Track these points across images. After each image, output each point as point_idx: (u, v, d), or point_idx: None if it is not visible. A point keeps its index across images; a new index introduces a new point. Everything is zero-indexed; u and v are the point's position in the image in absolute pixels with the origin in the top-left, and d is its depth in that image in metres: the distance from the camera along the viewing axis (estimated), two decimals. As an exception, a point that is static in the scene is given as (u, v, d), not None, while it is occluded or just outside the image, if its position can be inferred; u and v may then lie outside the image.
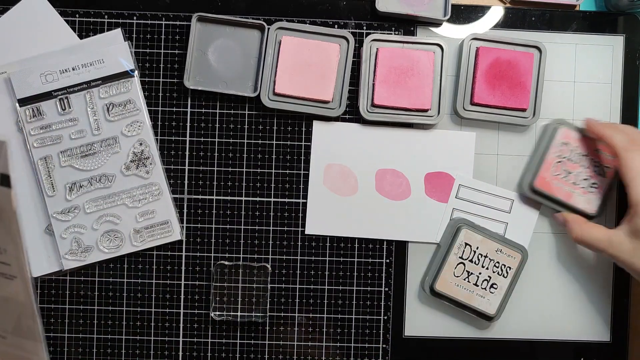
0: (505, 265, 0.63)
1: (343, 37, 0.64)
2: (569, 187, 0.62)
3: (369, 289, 0.65)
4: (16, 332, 0.41)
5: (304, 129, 0.65)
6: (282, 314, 0.65)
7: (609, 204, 0.65)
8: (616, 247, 0.57)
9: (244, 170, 0.65)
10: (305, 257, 0.65)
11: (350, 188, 0.65)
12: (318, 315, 0.65)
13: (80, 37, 0.64)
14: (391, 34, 0.65)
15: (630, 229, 0.56)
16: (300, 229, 0.65)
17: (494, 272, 0.63)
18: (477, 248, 0.62)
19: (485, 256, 0.63)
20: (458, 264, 0.63)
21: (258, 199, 0.65)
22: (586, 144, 0.62)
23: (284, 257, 0.65)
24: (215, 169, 0.65)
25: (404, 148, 0.65)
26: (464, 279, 0.63)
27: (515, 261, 0.63)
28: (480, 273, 0.63)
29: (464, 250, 0.62)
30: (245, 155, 0.65)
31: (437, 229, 0.65)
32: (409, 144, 0.65)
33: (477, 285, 0.63)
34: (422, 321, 0.65)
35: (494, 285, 0.63)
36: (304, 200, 0.65)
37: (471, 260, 0.63)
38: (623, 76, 0.66)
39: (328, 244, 0.65)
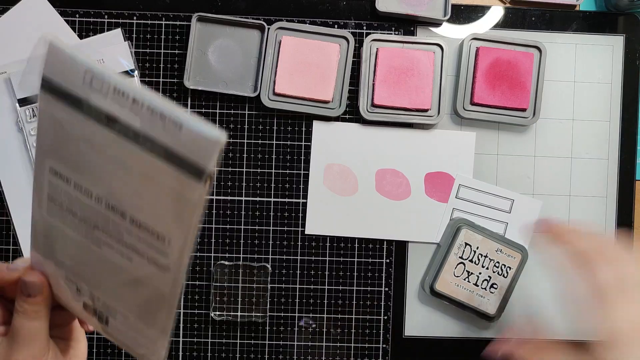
0: (505, 265, 0.63)
1: (343, 37, 0.64)
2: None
3: (369, 289, 0.65)
4: (143, 319, 0.40)
5: (304, 129, 0.65)
6: (282, 314, 0.65)
7: (608, 216, 0.65)
8: None
9: (244, 170, 0.65)
10: (305, 257, 0.65)
11: (350, 188, 0.65)
12: (318, 315, 0.65)
13: (80, 37, 0.64)
14: (391, 34, 0.65)
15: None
16: (300, 229, 0.65)
17: (494, 272, 0.63)
18: (477, 248, 0.63)
19: (485, 256, 0.63)
20: (458, 264, 0.63)
21: (258, 199, 0.65)
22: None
23: (284, 257, 0.65)
24: (215, 169, 0.65)
25: (404, 148, 0.65)
26: (464, 279, 0.63)
27: (515, 261, 0.63)
28: (480, 273, 0.63)
29: (464, 250, 0.63)
30: (245, 155, 0.65)
31: (437, 229, 0.65)
32: (409, 143, 0.65)
33: (477, 285, 0.63)
34: (422, 321, 0.65)
35: (494, 285, 0.63)
36: (304, 200, 0.65)
37: (471, 260, 0.63)
38: (623, 76, 0.66)
39: (328, 244, 0.65)
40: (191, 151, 0.33)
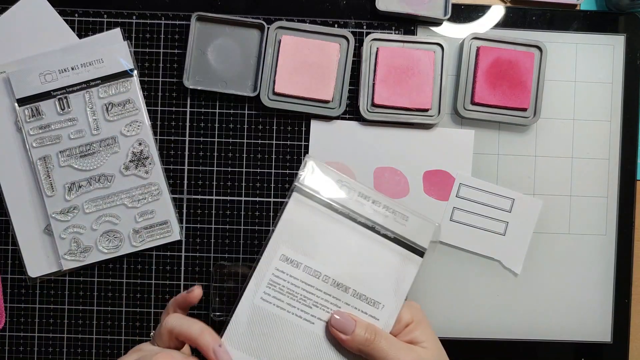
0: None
1: (343, 36, 0.64)
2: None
3: (369, 289, 0.65)
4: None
5: (303, 128, 0.65)
6: (282, 315, 0.65)
7: (609, 216, 0.65)
8: None
9: (244, 170, 0.65)
10: (305, 257, 0.65)
11: (350, 188, 0.65)
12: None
13: (80, 36, 0.64)
14: (391, 33, 0.65)
15: None
16: (300, 229, 0.65)
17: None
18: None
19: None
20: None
21: (258, 199, 0.65)
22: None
23: (284, 257, 0.65)
24: (215, 169, 0.65)
25: (402, 146, 0.65)
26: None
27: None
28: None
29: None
30: (245, 155, 0.65)
31: (438, 229, 0.65)
32: (407, 142, 0.65)
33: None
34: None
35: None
36: (304, 200, 0.65)
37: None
38: (624, 76, 0.66)
39: (328, 244, 0.65)
40: (414, 236, 0.49)
